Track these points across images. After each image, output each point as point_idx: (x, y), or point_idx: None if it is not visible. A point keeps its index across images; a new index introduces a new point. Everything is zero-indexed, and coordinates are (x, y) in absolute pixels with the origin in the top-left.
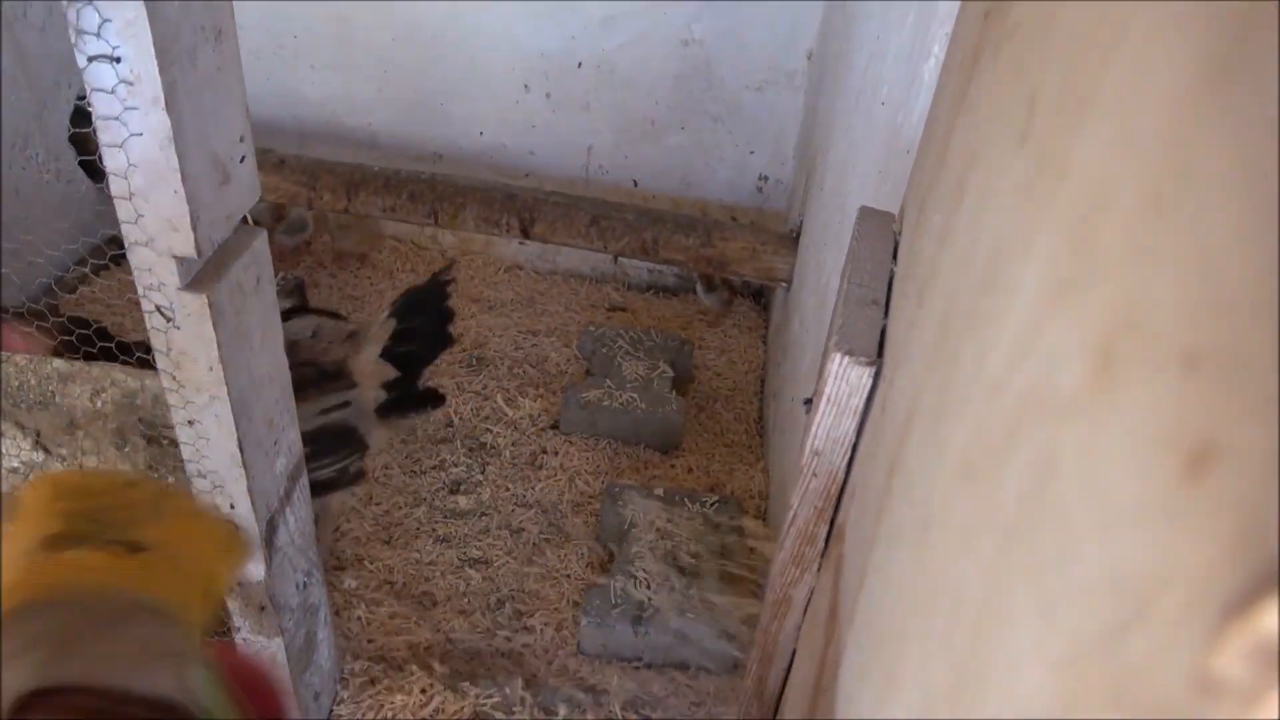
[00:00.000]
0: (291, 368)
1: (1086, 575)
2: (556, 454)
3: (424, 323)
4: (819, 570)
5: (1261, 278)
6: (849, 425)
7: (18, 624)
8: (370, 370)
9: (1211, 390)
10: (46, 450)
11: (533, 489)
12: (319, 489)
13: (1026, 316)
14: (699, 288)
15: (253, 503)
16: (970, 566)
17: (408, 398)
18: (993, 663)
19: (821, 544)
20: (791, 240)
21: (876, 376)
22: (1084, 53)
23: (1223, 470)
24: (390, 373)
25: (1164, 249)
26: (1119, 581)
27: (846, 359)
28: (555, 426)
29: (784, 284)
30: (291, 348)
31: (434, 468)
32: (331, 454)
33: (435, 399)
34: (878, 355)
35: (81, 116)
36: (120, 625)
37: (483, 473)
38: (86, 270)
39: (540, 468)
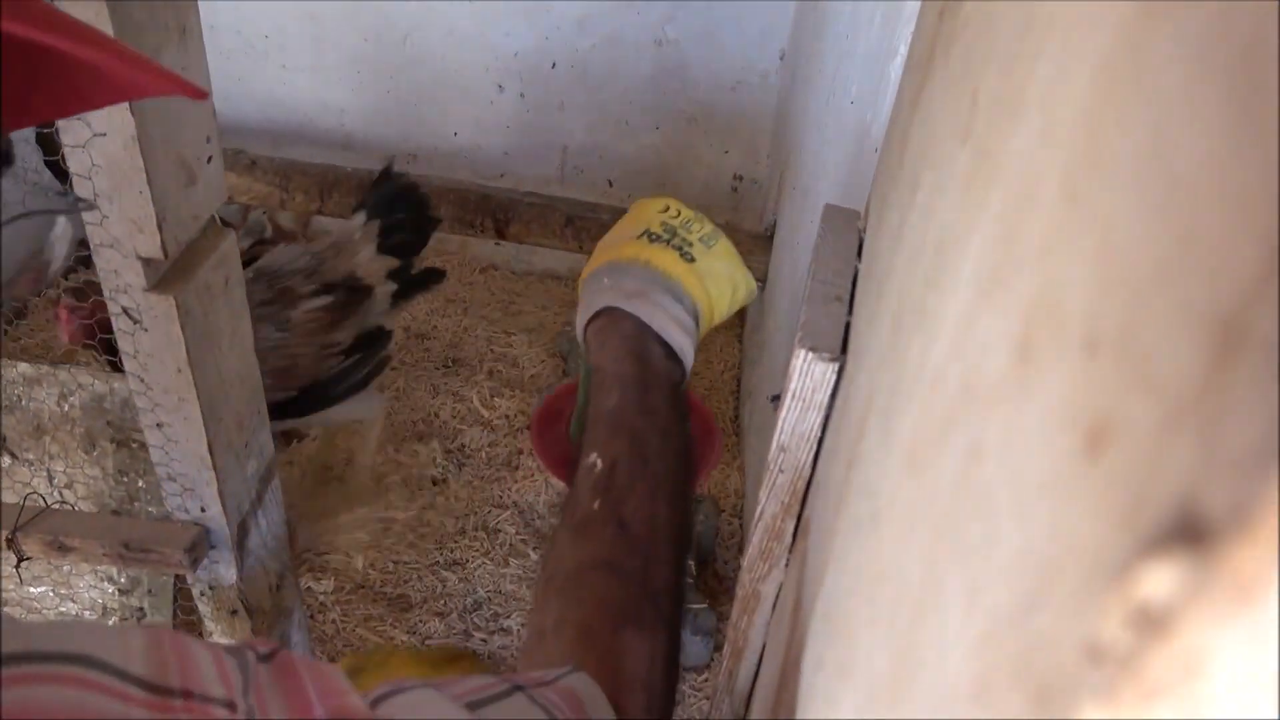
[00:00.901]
0: (322, 292)
1: (1004, 556)
2: (533, 454)
3: (406, 215)
4: (786, 565)
5: (1156, 254)
6: (814, 421)
7: (610, 270)
8: (375, 268)
9: (1109, 369)
10: (13, 455)
11: (509, 490)
12: (361, 385)
13: (963, 309)
14: None
15: (223, 505)
16: (910, 554)
17: (412, 282)
18: (926, 648)
19: (789, 539)
20: (766, 239)
21: (840, 372)
22: (1019, 47)
23: (1117, 446)
24: (392, 263)
25: (1075, 237)
26: (1029, 560)
27: (810, 355)
28: (530, 426)
29: (759, 283)
30: (309, 273)
31: (410, 469)
32: (370, 355)
33: (437, 275)
34: (841, 352)
35: None
36: (663, 296)
37: (459, 474)
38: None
39: (517, 468)
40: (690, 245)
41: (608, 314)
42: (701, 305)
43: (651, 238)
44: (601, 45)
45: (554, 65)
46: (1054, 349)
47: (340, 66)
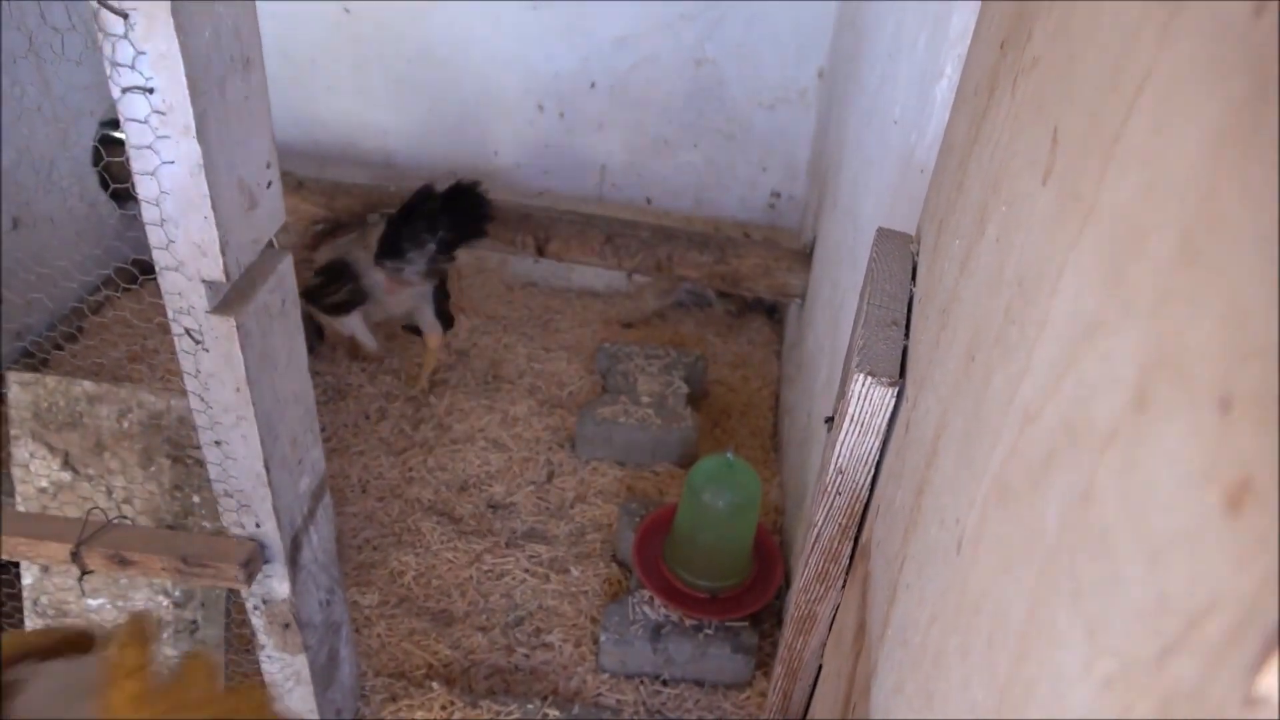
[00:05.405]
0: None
1: (1132, 599)
2: (573, 470)
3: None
4: (843, 587)
5: None
6: (872, 444)
7: None
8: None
9: (1247, 431)
10: (75, 470)
11: (549, 506)
12: (341, 308)
13: (1058, 349)
14: (712, 292)
15: (278, 520)
16: (1011, 589)
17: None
18: (1037, 682)
19: (846, 561)
20: (805, 257)
21: (899, 396)
22: (1107, 97)
23: (1259, 506)
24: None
25: (1197, 297)
26: (1165, 606)
27: (870, 379)
28: (571, 443)
29: (798, 300)
30: None
31: (451, 486)
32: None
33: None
34: (900, 376)
35: (110, 144)
36: None
37: (500, 490)
38: (116, 294)
39: (556, 485)
40: None
41: None
42: None
43: None
44: (640, 65)
45: (593, 85)
46: (1179, 402)
47: (383, 88)
